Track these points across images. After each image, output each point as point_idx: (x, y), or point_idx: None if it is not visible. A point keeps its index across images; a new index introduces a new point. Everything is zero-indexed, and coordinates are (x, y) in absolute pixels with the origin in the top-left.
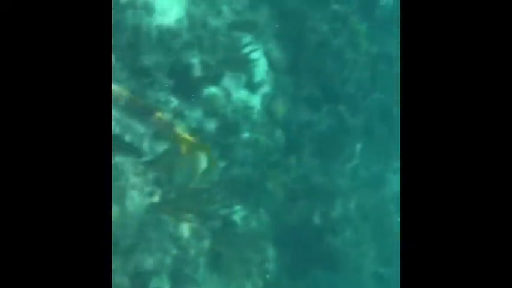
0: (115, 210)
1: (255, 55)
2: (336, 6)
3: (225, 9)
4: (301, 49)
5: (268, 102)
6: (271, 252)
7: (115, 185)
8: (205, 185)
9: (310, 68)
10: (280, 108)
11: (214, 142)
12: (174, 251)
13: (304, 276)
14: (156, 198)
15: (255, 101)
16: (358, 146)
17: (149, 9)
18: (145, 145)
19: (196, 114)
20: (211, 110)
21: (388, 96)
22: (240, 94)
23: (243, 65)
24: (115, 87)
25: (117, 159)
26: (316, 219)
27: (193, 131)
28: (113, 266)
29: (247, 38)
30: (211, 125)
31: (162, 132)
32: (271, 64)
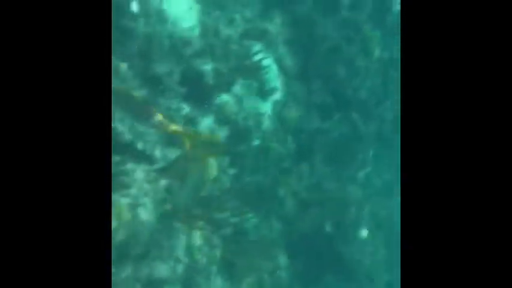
0: (127, 217)
1: (267, 62)
2: (347, 14)
3: (237, 17)
4: (313, 56)
5: (279, 109)
6: (283, 260)
7: (127, 193)
8: (217, 192)
9: (322, 75)
10: (292, 115)
11: (226, 149)
12: (186, 259)
13: (317, 284)
14: (167, 206)
15: (267, 108)
16: (371, 154)
17: (162, 18)
18: (157, 152)
19: (207, 121)
20: (222, 117)
21: None
22: (252, 101)
23: (255, 73)
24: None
25: (129, 166)
26: (328, 227)
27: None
28: (125, 274)
29: (258, 46)
30: (222, 132)
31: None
32: (283, 71)
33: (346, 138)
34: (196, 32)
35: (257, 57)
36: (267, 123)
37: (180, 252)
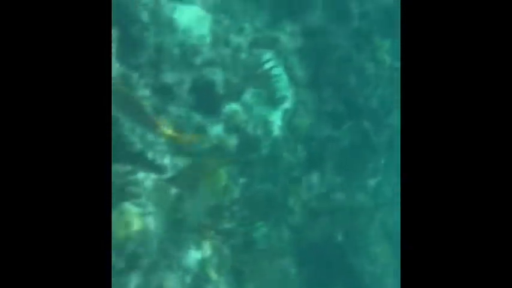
0: (136, 227)
1: (277, 71)
2: (358, 22)
3: (246, 26)
4: (323, 65)
5: (290, 117)
6: (292, 269)
7: (136, 202)
8: (226, 202)
9: (332, 84)
10: (302, 123)
11: (235, 158)
12: (195, 269)
13: None
14: (177, 215)
15: (277, 116)
16: (381, 163)
17: (172, 27)
18: (167, 162)
19: (217, 130)
20: (232, 126)
21: None
22: (261, 110)
23: (265, 81)
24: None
25: (139, 175)
26: (338, 236)
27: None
28: (134, 284)
29: (268, 54)
30: (232, 141)
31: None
32: (293, 80)
33: (356, 147)
34: (207, 41)
35: (267, 66)
36: (277, 132)
37: (190, 262)
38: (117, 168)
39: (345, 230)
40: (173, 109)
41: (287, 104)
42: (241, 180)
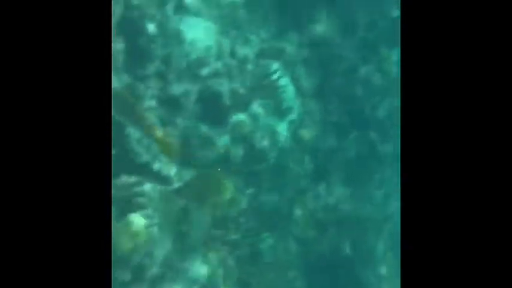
0: (143, 238)
1: (283, 81)
2: (364, 33)
3: (253, 37)
4: (330, 76)
5: (296, 128)
6: (299, 282)
7: (143, 213)
8: (233, 213)
9: (339, 95)
10: (309, 134)
11: (241, 169)
12: (202, 280)
13: None
14: (183, 226)
15: (283, 127)
16: (389, 174)
17: (179, 39)
18: (173, 172)
19: (224, 140)
20: (239, 136)
21: None
22: (268, 120)
23: (271, 92)
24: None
25: (145, 187)
26: (346, 249)
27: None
28: None
29: (275, 65)
30: (238, 152)
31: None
32: (300, 90)
33: (363, 157)
34: (213, 52)
35: (274, 77)
36: (283, 143)
37: (196, 274)
38: (123, 179)
39: (352, 242)
40: (180, 120)
41: (293, 115)
42: (248, 191)
